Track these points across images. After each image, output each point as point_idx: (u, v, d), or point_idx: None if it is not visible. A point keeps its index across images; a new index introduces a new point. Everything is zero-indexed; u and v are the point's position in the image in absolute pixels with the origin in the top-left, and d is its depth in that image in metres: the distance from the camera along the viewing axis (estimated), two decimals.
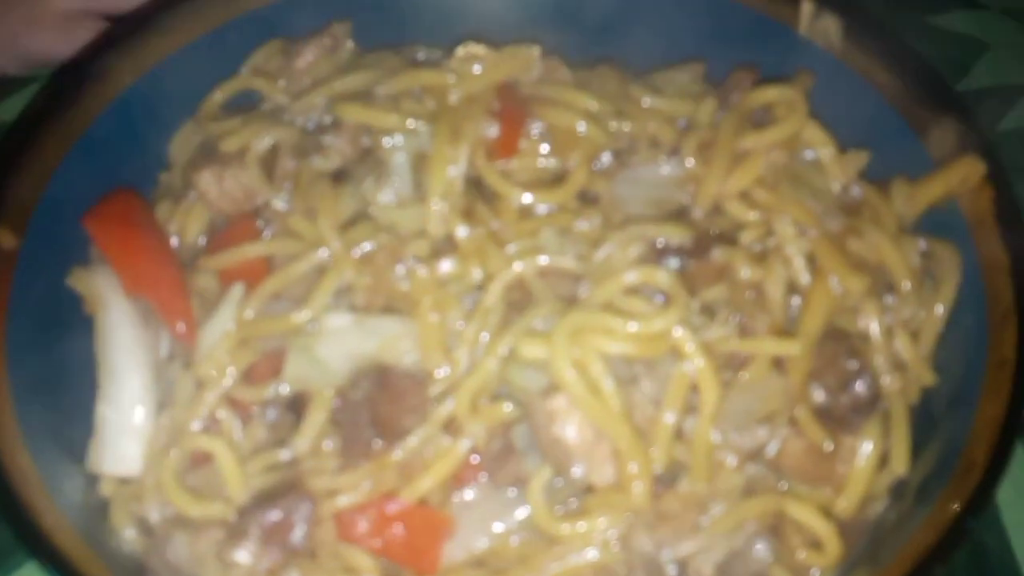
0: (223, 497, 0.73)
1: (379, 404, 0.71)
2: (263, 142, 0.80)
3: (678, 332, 0.69)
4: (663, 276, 0.71)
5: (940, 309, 0.78)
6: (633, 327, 0.69)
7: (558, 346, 0.68)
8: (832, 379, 0.73)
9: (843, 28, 0.86)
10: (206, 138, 0.84)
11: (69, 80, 0.85)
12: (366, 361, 0.72)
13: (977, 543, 0.82)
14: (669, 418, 0.69)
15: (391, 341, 0.72)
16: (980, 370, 0.74)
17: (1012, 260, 0.76)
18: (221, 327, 0.75)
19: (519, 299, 0.73)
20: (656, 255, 0.74)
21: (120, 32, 0.87)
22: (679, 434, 0.70)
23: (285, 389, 0.74)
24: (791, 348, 0.72)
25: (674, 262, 0.74)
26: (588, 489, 0.70)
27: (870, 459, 0.73)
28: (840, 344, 0.74)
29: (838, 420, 0.73)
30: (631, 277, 0.71)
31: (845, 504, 0.73)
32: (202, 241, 0.82)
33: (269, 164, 0.81)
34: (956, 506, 0.69)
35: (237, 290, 0.76)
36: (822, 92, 0.86)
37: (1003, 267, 0.77)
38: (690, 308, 0.71)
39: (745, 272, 0.74)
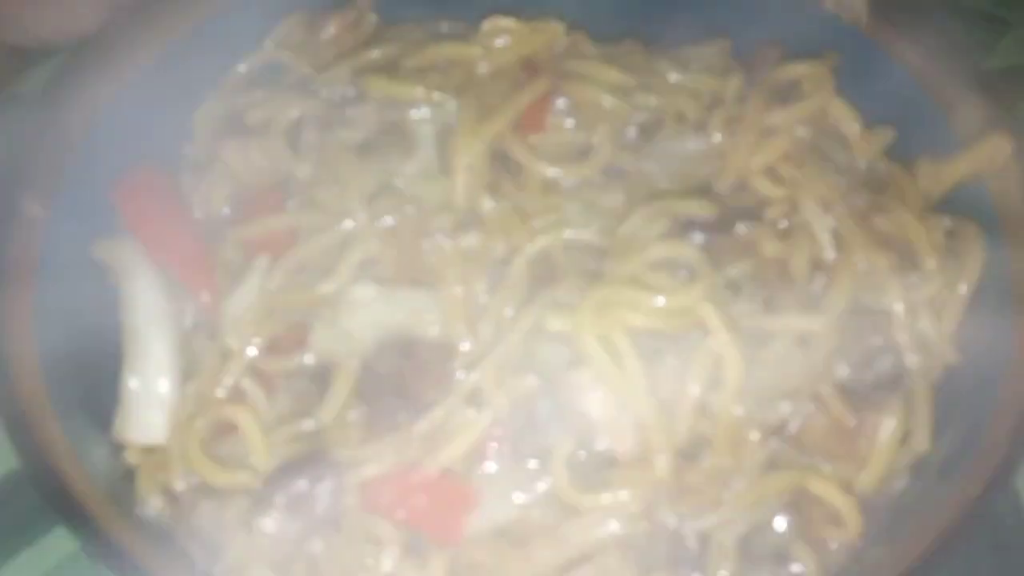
0: (248, 466, 0.73)
1: (404, 375, 0.71)
2: (288, 114, 0.80)
3: (703, 307, 0.69)
4: (689, 250, 0.71)
5: (964, 288, 0.78)
6: (659, 301, 0.69)
7: (584, 319, 0.69)
8: (855, 355, 0.73)
9: (869, 4, 0.87)
10: (230, 110, 0.84)
11: (92, 53, 0.85)
12: (391, 333, 0.72)
13: (997, 521, 0.82)
14: (693, 392, 0.69)
15: (416, 313, 0.72)
16: (1004, 349, 0.74)
17: None
18: (246, 298, 0.75)
19: (544, 273, 0.73)
20: (681, 230, 0.74)
21: (142, 4, 0.87)
22: (703, 408, 0.70)
23: (310, 359, 0.74)
24: (815, 324, 0.72)
25: (699, 237, 0.73)
26: (610, 462, 0.71)
27: (892, 436, 0.73)
28: (864, 321, 0.74)
29: (861, 397, 0.73)
30: (656, 251, 0.71)
31: (866, 480, 0.73)
32: (227, 212, 0.82)
33: (294, 136, 0.81)
34: (977, 485, 0.69)
35: (262, 261, 0.76)
36: (848, 68, 0.86)
37: None
38: (715, 283, 0.71)
39: (770, 248, 0.74)
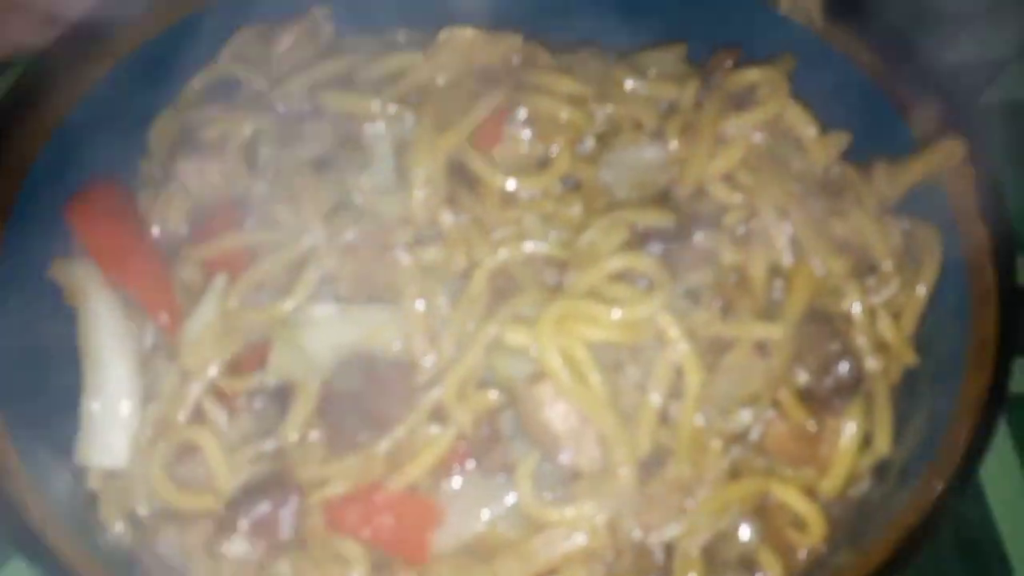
0: (211, 489, 0.73)
1: (365, 394, 0.71)
2: (243, 130, 0.80)
3: (662, 317, 0.70)
4: (646, 261, 0.72)
5: (922, 289, 0.78)
6: (617, 314, 0.69)
7: (543, 334, 0.69)
8: (815, 361, 0.74)
9: (823, 5, 0.87)
10: (185, 126, 0.84)
11: (45, 70, 0.84)
12: (351, 351, 0.72)
13: (961, 519, 0.83)
14: (654, 403, 0.69)
15: (376, 330, 0.72)
16: (962, 350, 0.75)
17: (992, 240, 0.77)
18: (205, 318, 0.75)
19: (504, 286, 0.73)
20: (639, 240, 0.74)
21: (94, 21, 0.85)
22: (664, 419, 0.71)
23: (271, 379, 0.73)
24: (774, 331, 0.72)
25: (657, 247, 0.74)
26: (575, 475, 0.70)
27: (853, 440, 0.74)
28: (823, 326, 0.75)
29: (821, 401, 0.74)
30: (615, 263, 0.71)
31: (829, 484, 0.74)
32: (184, 231, 0.81)
33: (250, 152, 0.81)
34: (939, 485, 0.70)
35: (220, 280, 0.75)
36: (803, 71, 0.86)
37: (984, 247, 0.78)
38: (674, 293, 0.71)
39: (728, 255, 0.74)
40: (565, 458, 0.69)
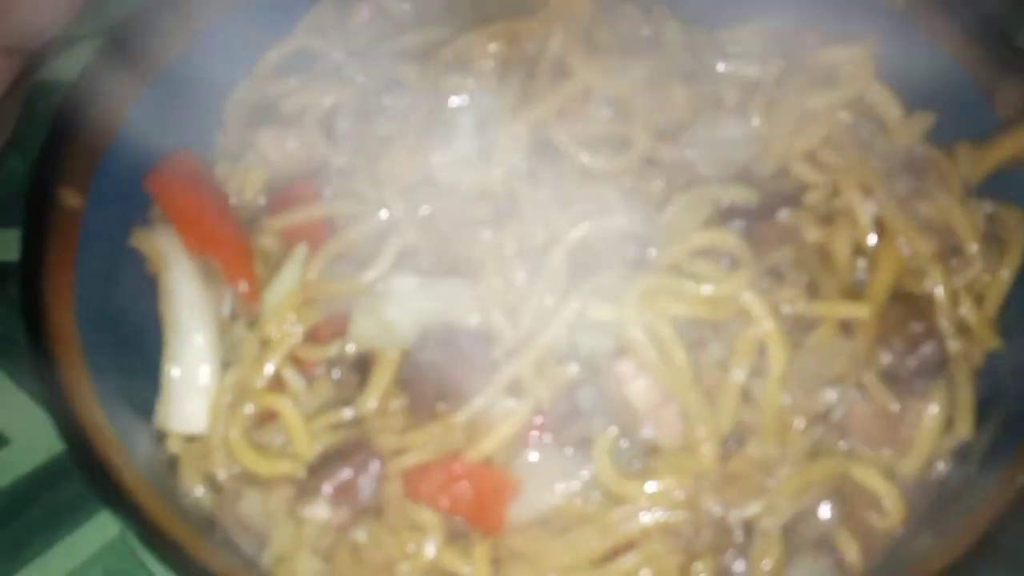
0: (290, 455, 0.73)
1: (444, 365, 0.71)
2: (323, 102, 0.81)
3: (747, 295, 0.69)
4: (730, 238, 0.71)
5: (1006, 273, 0.77)
6: (703, 290, 0.69)
7: (629, 309, 0.69)
8: (899, 342, 0.73)
9: None
10: (263, 98, 0.85)
11: (122, 43, 0.85)
12: (431, 322, 0.73)
13: None
14: (737, 380, 0.69)
15: (455, 303, 0.72)
16: None
17: None
18: (285, 287, 0.76)
19: (584, 261, 0.73)
20: (722, 217, 0.74)
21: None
22: (747, 396, 0.70)
23: (351, 348, 0.74)
24: (859, 311, 0.72)
25: (740, 224, 0.73)
26: (654, 451, 0.71)
27: (935, 421, 0.73)
28: (907, 307, 0.74)
29: (904, 382, 0.73)
30: (699, 239, 0.71)
31: (909, 467, 0.73)
32: (261, 201, 0.82)
33: (329, 124, 0.81)
34: (1020, 477, 0.69)
35: (301, 250, 0.76)
36: (887, 51, 0.85)
37: None
38: (758, 270, 0.71)
39: (812, 234, 0.74)
40: (646, 433, 0.69)
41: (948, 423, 0.75)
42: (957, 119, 0.84)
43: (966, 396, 0.75)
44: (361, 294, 0.74)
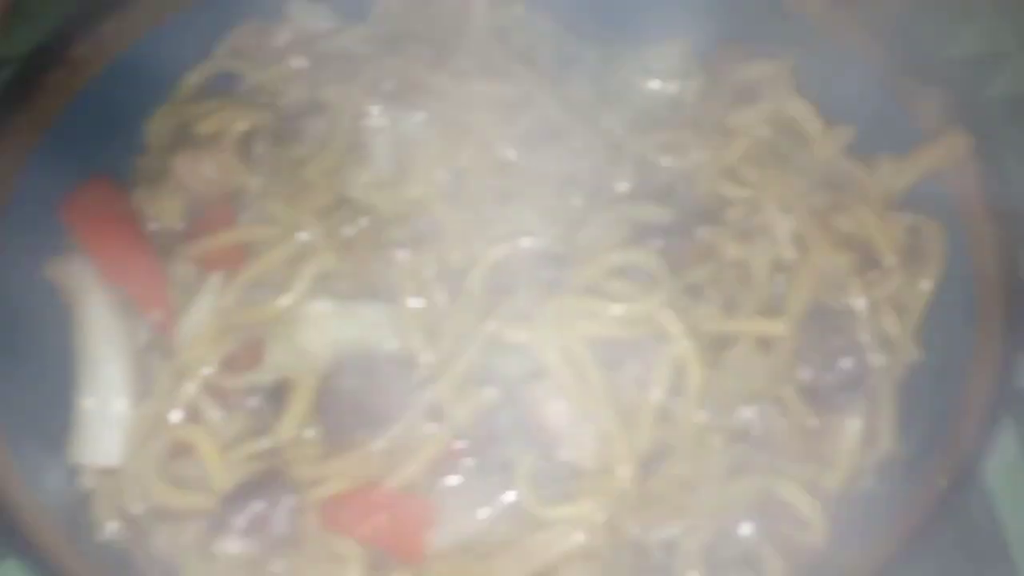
0: (205, 487, 0.72)
1: (362, 391, 0.70)
2: (239, 125, 0.79)
3: (662, 313, 0.69)
4: (646, 257, 0.71)
5: (926, 284, 0.78)
6: (617, 310, 0.69)
7: (543, 331, 0.68)
8: (817, 356, 0.73)
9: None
10: (182, 121, 0.83)
11: (38, 66, 0.83)
12: (348, 348, 0.71)
13: (965, 517, 0.82)
14: (654, 400, 0.69)
15: (374, 327, 0.71)
16: (966, 345, 0.74)
17: (997, 234, 0.76)
18: (201, 315, 0.74)
19: (503, 283, 0.72)
20: (640, 235, 0.73)
21: (89, 14, 0.85)
22: (665, 415, 0.70)
23: (267, 377, 0.73)
24: (776, 327, 0.72)
25: (658, 242, 0.73)
26: (574, 473, 0.70)
27: (856, 436, 0.73)
28: (826, 321, 0.74)
29: (824, 397, 0.74)
30: (614, 258, 0.71)
31: (832, 481, 0.73)
32: (181, 227, 0.80)
33: (246, 147, 0.80)
34: (942, 483, 0.69)
35: (216, 279, 0.75)
36: (808, 65, 0.86)
37: (989, 241, 0.77)
38: (675, 288, 0.71)
39: (731, 250, 0.74)
40: (564, 456, 0.69)
41: (871, 436, 0.75)
42: (877, 132, 0.85)
43: (888, 409, 0.75)
44: (276, 320, 0.72)
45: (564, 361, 0.68)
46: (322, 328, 0.72)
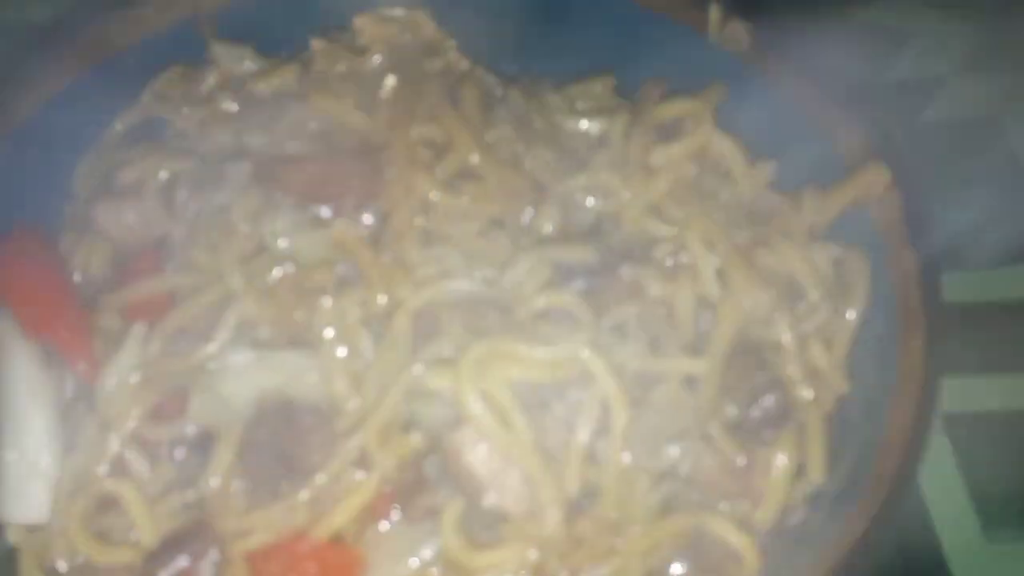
0: (133, 542, 0.71)
1: (287, 441, 0.69)
2: (160, 173, 0.78)
3: (586, 354, 0.68)
4: (569, 298, 0.71)
5: (852, 315, 0.78)
6: (540, 352, 0.68)
7: (464, 377, 0.67)
8: (744, 393, 0.73)
9: (751, 33, 0.86)
10: (106, 169, 0.82)
11: None
12: (272, 397, 0.70)
13: (905, 539, 0.82)
14: (580, 442, 0.68)
15: (296, 376, 0.71)
16: (891, 376, 0.74)
17: (919, 265, 0.76)
18: (124, 367, 0.73)
19: (429, 327, 0.71)
20: (563, 276, 0.73)
21: (15, 59, 0.84)
22: (592, 456, 0.69)
23: (191, 428, 0.72)
24: (699, 366, 0.71)
25: (582, 282, 0.73)
26: (501, 518, 0.69)
27: (784, 471, 0.73)
28: (750, 357, 0.74)
29: (751, 433, 0.73)
30: (538, 301, 0.71)
31: (762, 516, 0.73)
32: (106, 276, 0.80)
33: (169, 195, 0.79)
34: (870, 513, 0.69)
35: (139, 329, 0.74)
36: (734, 99, 0.86)
37: (911, 272, 0.78)
38: (599, 328, 0.70)
39: (655, 288, 0.74)
40: (490, 501, 0.68)
41: (800, 469, 0.75)
42: (803, 164, 0.85)
43: (817, 442, 0.75)
44: (199, 370, 0.71)
45: (485, 406, 0.67)
46: (244, 377, 0.71)
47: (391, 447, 0.69)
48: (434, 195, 0.75)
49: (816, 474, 0.75)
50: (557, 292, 0.71)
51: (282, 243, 0.74)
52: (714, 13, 0.87)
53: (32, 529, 0.74)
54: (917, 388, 0.72)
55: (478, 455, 0.67)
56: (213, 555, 0.68)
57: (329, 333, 0.71)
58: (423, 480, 0.70)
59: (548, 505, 0.67)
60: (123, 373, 0.73)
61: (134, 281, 0.77)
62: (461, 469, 0.68)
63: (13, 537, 0.74)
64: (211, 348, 0.72)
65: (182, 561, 0.68)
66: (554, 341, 0.69)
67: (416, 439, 0.70)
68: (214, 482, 0.70)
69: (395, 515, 0.69)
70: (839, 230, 0.82)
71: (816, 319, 0.77)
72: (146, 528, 0.71)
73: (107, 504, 0.72)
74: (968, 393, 0.90)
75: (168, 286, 0.76)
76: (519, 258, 0.73)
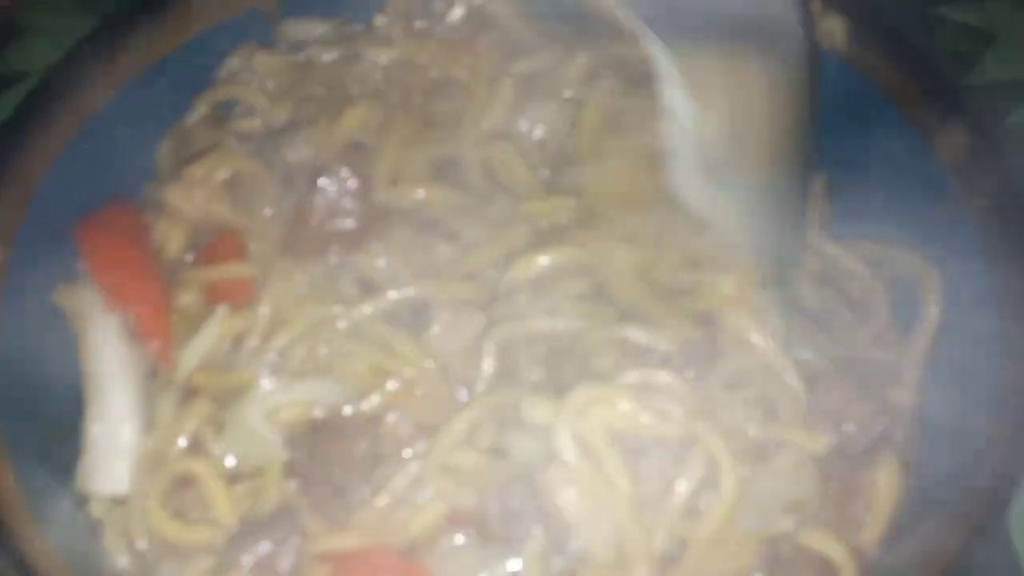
0: (211, 521, 0.65)
1: (335, 460, 0.63)
2: (222, 172, 0.72)
3: (702, 429, 0.58)
4: (666, 379, 0.61)
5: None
6: (648, 420, 0.59)
7: (562, 416, 0.57)
8: (848, 417, 0.65)
9: (847, 29, 0.76)
10: (182, 150, 0.74)
11: (56, 84, 0.74)
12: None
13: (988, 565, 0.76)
14: (678, 498, 0.58)
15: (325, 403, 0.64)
16: (994, 384, 0.66)
17: (1021, 277, 0.66)
18: (202, 347, 0.67)
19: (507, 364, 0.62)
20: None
21: (100, 40, 0.76)
22: (691, 511, 0.59)
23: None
24: (818, 445, 0.61)
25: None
26: (584, 560, 0.60)
27: (891, 491, 0.65)
28: (853, 381, 0.65)
29: (852, 457, 0.64)
30: (632, 377, 0.61)
31: (868, 537, 0.65)
32: (185, 255, 0.74)
33: (234, 190, 0.71)
34: (963, 534, 0.63)
35: (222, 311, 0.67)
36: (828, 94, 0.81)
37: (1012, 277, 0.67)
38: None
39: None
40: (576, 544, 0.59)
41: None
42: (898, 162, 0.75)
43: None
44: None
45: (579, 451, 0.57)
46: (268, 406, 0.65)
47: (479, 472, 0.61)
48: None
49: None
50: (649, 371, 0.60)
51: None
52: (815, 5, 0.76)
53: (116, 502, 0.67)
54: (1018, 406, 0.63)
55: (569, 496, 0.57)
56: (295, 544, 0.62)
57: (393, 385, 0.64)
58: (507, 506, 0.61)
59: (636, 561, 0.57)
60: (200, 354, 0.67)
61: (213, 263, 0.70)
62: (550, 506, 0.58)
63: (96, 509, 0.68)
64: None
65: (264, 547, 0.62)
66: (665, 412, 0.58)
67: (504, 468, 0.60)
68: (268, 507, 0.63)
69: (472, 532, 0.62)
70: (934, 235, 0.73)
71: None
72: (224, 508, 0.63)
73: (185, 483, 0.66)
74: None
75: (247, 272, 0.69)
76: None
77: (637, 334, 0.59)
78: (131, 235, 0.72)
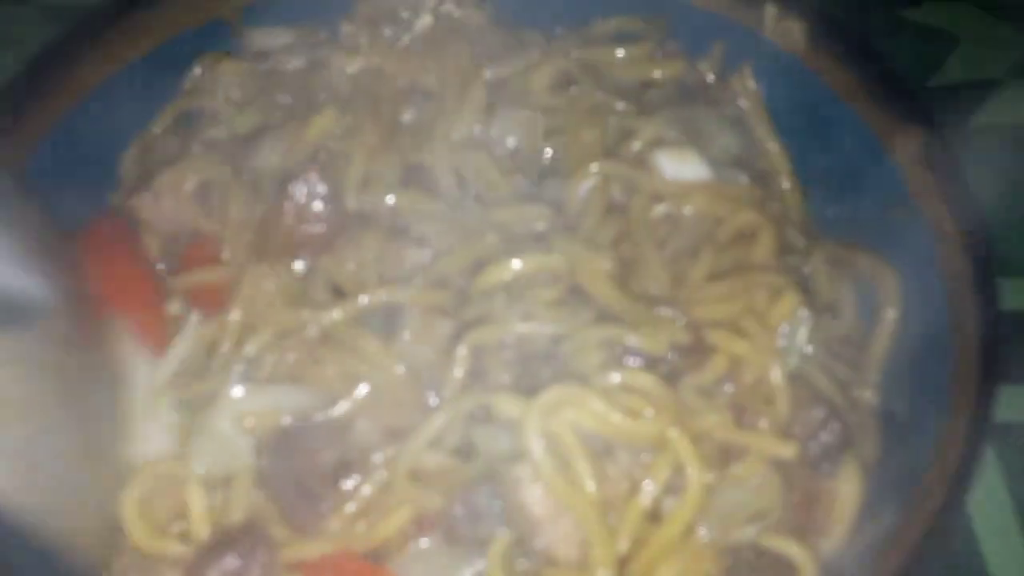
0: (183, 533, 0.64)
1: (302, 467, 0.62)
2: (190, 182, 0.70)
3: (673, 435, 0.57)
4: (645, 380, 0.59)
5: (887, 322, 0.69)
6: (619, 421, 0.57)
7: (531, 413, 0.55)
8: (802, 429, 0.63)
9: (806, 30, 0.76)
10: (146, 161, 0.73)
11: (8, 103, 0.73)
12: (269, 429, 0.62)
13: (949, 553, 0.78)
14: (643, 502, 0.57)
15: (295, 410, 0.62)
16: (943, 387, 0.65)
17: (973, 267, 0.67)
18: (177, 357, 0.67)
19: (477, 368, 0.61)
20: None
21: (60, 51, 0.74)
22: (654, 515, 0.58)
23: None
24: (788, 451, 0.59)
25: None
26: (548, 561, 0.58)
27: (854, 499, 0.65)
28: (804, 390, 0.63)
29: (811, 467, 0.63)
30: (613, 378, 0.59)
31: (830, 545, 0.64)
32: (162, 264, 0.73)
33: (204, 197, 0.69)
34: (922, 523, 0.64)
35: (195, 318, 0.67)
36: (785, 95, 0.76)
37: (964, 275, 0.67)
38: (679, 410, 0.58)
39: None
40: (540, 544, 0.57)
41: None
42: (854, 164, 0.75)
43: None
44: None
45: (547, 449, 0.56)
46: (237, 412, 0.63)
47: (445, 473, 0.60)
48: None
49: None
50: (632, 372, 0.59)
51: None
52: (770, 10, 0.77)
53: None
54: (973, 395, 0.62)
55: (535, 494, 0.56)
56: (263, 556, 0.60)
57: (363, 390, 0.62)
58: (473, 507, 0.60)
59: (599, 565, 0.56)
60: (179, 361, 0.66)
61: (189, 269, 0.69)
62: (516, 504, 0.56)
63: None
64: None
65: (231, 562, 0.61)
66: (637, 413, 0.57)
67: (470, 469, 0.59)
68: (236, 517, 0.61)
69: (438, 535, 0.60)
70: (892, 234, 0.72)
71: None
72: (200, 519, 0.63)
73: (161, 492, 0.64)
74: (1014, 403, 0.85)
75: (227, 276, 0.67)
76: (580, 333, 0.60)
77: (622, 336, 0.60)
78: (123, 246, 0.72)
